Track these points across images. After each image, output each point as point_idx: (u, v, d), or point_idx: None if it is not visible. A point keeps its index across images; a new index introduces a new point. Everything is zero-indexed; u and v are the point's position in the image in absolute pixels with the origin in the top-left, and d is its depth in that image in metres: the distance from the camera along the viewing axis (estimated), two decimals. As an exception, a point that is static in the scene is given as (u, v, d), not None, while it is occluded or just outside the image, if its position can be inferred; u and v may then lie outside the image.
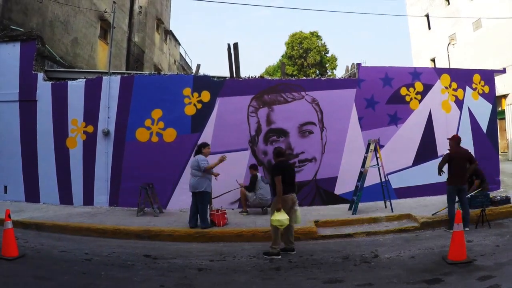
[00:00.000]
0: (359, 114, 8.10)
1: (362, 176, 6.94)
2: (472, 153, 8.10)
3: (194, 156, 6.28)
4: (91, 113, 7.95)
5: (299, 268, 4.31)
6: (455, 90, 8.55)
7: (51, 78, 8.48)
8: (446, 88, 8.52)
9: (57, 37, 11.19)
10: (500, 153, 9.52)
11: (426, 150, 8.26)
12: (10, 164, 8.14)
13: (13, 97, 8.20)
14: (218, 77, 8.16)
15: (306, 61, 28.30)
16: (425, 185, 8.12)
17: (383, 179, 6.98)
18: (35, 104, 8.14)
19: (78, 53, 12.42)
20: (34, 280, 3.83)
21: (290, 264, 4.47)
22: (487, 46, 17.80)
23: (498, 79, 9.49)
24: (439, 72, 8.70)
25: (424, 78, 8.43)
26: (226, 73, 8.61)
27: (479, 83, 8.68)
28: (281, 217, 4.64)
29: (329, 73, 28.78)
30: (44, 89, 8.14)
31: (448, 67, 15.76)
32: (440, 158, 6.30)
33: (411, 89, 8.33)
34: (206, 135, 7.74)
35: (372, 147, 6.92)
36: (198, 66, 9.65)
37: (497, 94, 9.90)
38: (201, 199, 6.00)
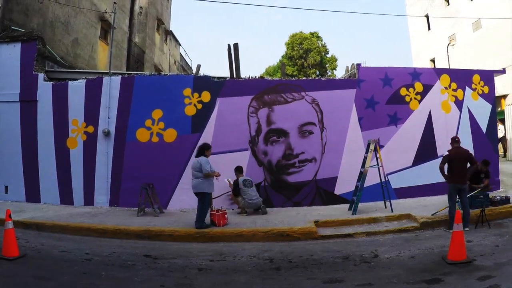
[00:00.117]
0: (359, 114, 8.11)
1: (362, 176, 6.95)
2: (472, 153, 8.15)
3: (196, 157, 6.26)
4: (91, 114, 7.96)
5: (299, 268, 4.32)
6: (454, 90, 8.57)
7: (51, 78, 8.49)
8: (446, 88, 8.53)
9: (58, 37, 11.21)
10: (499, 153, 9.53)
11: (425, 150, 8.27)
12: (10, 164, 8.16)
13: (13, 97, 8.21)
14: (218, 78, 8.17)
15: (306, 62, 28.31)
16: (425, 185, 8.14)
17: (383, 179, 6.99)
18: (36, 104, 8.16)
19: (78, 54, 12.44)
20: (35, 280, 3.84)
21: (290, 264, 4.49)
22: (487, 46, 17.79)
23: (497, 80, 9.50)
24: (439, 72, 8.71)
25: (423, 79, 8.44)
26: (226, 74, 8.64)
27: (479, 83, 8.69)
28: None
29: (329, 74, 28.78)
30: (44, 89, 8.15)
31: (447, 67, 15.76)
32: (440, 159, 6.31)
33: (411, 90, 8.34)
34: (207, 136, 7.75)
35: (372, 147, 6.93)
36: (198, 67, 9.66)
37: (496, 94, 9.90)
38: (202, 199, 6.04)
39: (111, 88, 7.95)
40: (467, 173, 5.96)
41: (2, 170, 8.18)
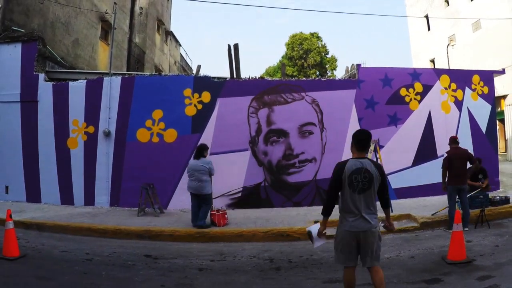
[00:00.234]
0: (359, 114, 8.12)
1: (362, 176, 6.95)
2: (472, 153, 8.16)
3: (195, 159, 6.22)
4: (92, 114, 7.98)
5: (299, 268, 4.33)
6: (454, 90, 8.58)
7: (52, 78, 8.51)
8: (446, 88, 8.54)
9: (58, 38, 11.22)
10: (499, 153, 9.54)
11: (425, 151, 8.29)
12: (11, 165, 8.17)
13: (14, 97, 8.23)
14: (219, 78, 8.18)
15: (306, 62, 28.33)
16: (424, 185, 8.15)
17: (383, 180, 6.99)
18: (36, 104, 8.17)
19: (79, 54, 12.45)
20: (35, 280, 3.85)
21: (290, 264, 4.50)
22: (487, 47, 17.81)
23: (497, 80, 9.52)
24: (439, 73, 8.72)
25: (423, 79, 8.45)
26: (227, 74, 8.65)
27: (479, 83, 8.70)
28: None
29: (329, 74, 28.80)
30: (45, 89, 8.17)
31: (447, 68, 15.78)
32: (440, 159, 6.32)
33: (410, 90, 8.35)
34: (207, 136, 7.76)
35: (372, 147, 6.95)
36: (199, 67, 9.68)
37: (496, 94, 9.92)
38: (207, 200, 6.08)
39: (112, 88, 7.96)
40: (467, 173, 5.96)
41: (2, 170, 8.20)
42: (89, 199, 7.90)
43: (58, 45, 11.09)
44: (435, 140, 8.37)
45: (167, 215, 7.13)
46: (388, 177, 7.70)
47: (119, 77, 8.15)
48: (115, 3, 11.78)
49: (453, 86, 8.57)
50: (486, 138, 8.63)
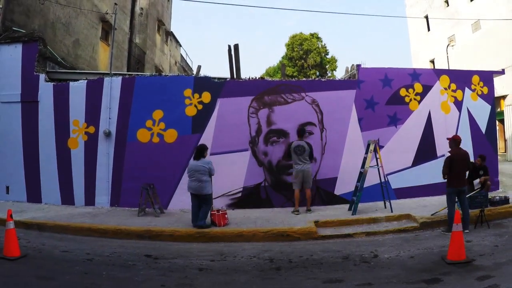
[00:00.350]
0: (358, 115, 8.13)
1: (362, 176, 6.97)
2: (472, 153, 8.18)
3: (194, 159, 6.23)
4: (92, 114, 7.99)
5: (299, 268, 4.34)
6: (454, 91, 8.59)
7: (52, 79, 8.52)
8: (445, 89, 8.55)
9: (59, 38, 11.24)
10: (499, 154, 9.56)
11: (425, 151, 8.29)
12: (12, 165, 8.18)
13: (15, 98, 8.24)
14: (219, 78, 8.19)
15: (306, 62, 28.34)
16: (424, 185, 8.16)
17: (382, 180, 7.02)
18: (37, 105, 8.18)
19: (79, 54, 12.47)
20: (36, 280, 3.86)
21: (290, 264, 4.51)
22: (486, 47, 17.82)
23: (497, 80, 9.52)
24: (438, 73, 8.73)
25: (423, 79, 8.46)
26: (227, 74, 8.65)
27: (478, 84, 8.71)
28: None
29: (329, 74, 28.81)
30: (45, 90, 8.18)
31: (447, 68, 15.79)
32: (440, 159, 6.32)
33: (410, 90, 8.36)
34: (207, 136, 7.77)
35: (371, 147, 6.95)
36: (199, 67, 9.69)
37: (496, 95, 9.92)
38: (208, 200, 6.09)
39: (112, 88, 7.97)
40: (466, 174, 5.92)
41: (3, 170, 8.21)
42: (90, 199, 7.91)
43: (59, 45, 11.11)
44: (435, 140, 8.37)
45: (168, 215, 7.14)
46: (388, 177, 7.72)
47: (120, 78, 8.16)
48: (115, 3, 11.78)
49: (453, 86, 8.59)
50: (486, 138, 8.64)
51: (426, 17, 23.67)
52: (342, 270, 4.22)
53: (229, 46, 8.55)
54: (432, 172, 7.85)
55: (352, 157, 7.80)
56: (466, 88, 8.64)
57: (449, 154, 5.76)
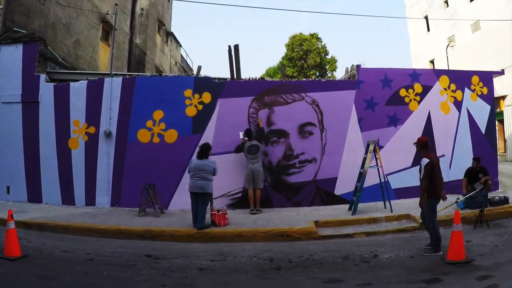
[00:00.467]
0: (358, 115, 8.15)
1: (361, 176, 6.99)
2: (471, 153, 8.20)
3: (198, 158, 6.22)
4: (93, 114, 8.00)
5: (299, 268, 4.35)
6: (454, 91, 8.61)
7: (53, 79, 8.54)
8: (445, 89, 8.57)
9: (59, 39, 11.25)
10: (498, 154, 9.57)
11: (425, 151, 8.29)
12: (12, 165, 8.19)
13: (15, 98, 8.25)
14: (219, 79, 8.21)
15: (306, 63, 28.37)
16: (424, 186, 8.16)
17: (382, 180, 7.03)
18: (38, 105, 8.19)
19: (80, 55, 12.48)
20: (37, 280, 3.87)
21: (290, 264, 4.52)
22: (486, 48, 17.83)
23: (496, 81, 9.55)
24: (438, 73, 8.75)
25: (423, 80, 8.48)
26: (227, 75, 8.67)
27: (478, 84, 8.73)
28: None
29: (329, 75, 28.84)
30: (46, 90, 8.19)
31: (447, 68, 15.81)
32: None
33: (410, 91, 8.38)
34: (207, 136, 7.78)
35: (371, 148, 6.96)
36: (199, 68, 9.70)
37: (495, 95, 9.94)
38: (206, 199, 6.09)
39: (112, 89, 7.98)
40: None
41: (4, 170, 8.22)
42: (90, 199, 7.92)
43: (59, 46, 11.12)
44: (435, 140, 8.38)
45: (168, 215, 7.15)
46: (388, 177, 7.74)
47: (120, 78, 8.17)
48: (116, 4, 11.81)
49: (453, 86, 8.60)
50: (486, 139, 8.65)
51: (426, 18, 23.69)
52: (342, 270, 4.23)
53: (229, 47, 8.57)
54: (432, 172, 7.84)
55: (352, 157, 7.81)
56: (466, 89, 8.65)
57: (427, 160, 4.83)
